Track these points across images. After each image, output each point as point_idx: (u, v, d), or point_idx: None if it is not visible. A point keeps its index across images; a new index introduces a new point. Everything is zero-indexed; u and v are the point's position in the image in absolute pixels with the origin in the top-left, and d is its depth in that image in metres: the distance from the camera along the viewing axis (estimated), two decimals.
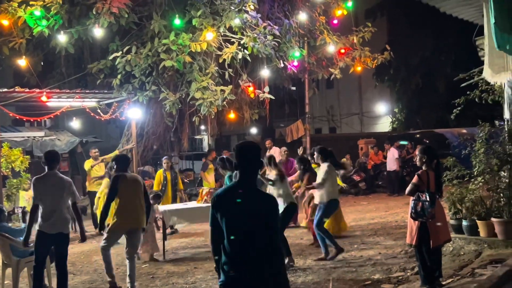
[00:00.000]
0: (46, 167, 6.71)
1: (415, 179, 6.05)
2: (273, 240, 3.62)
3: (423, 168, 6.14)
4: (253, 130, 32.00)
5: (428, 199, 5.84)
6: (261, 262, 3.58)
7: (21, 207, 11.33)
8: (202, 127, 30.57)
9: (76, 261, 9.67)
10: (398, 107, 29.49)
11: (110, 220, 7.35)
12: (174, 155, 22.49)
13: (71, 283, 7.95)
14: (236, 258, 3.62)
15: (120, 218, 7.12)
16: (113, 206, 7.27)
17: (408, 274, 7.18)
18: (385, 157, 18.39)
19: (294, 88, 19.56)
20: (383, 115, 31.56)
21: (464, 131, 19.90)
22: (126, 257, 7.25)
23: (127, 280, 7.14)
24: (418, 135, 20.60)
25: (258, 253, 3.58)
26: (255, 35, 11.69)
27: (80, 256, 10.09)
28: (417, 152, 6.27)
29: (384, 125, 30.91)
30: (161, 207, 10.13)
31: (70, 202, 6.75)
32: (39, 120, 14.40)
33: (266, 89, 13.37)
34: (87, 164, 12.62)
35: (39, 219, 6.57)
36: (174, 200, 12.37)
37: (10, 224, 8.66)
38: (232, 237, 3.63)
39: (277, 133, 23.70)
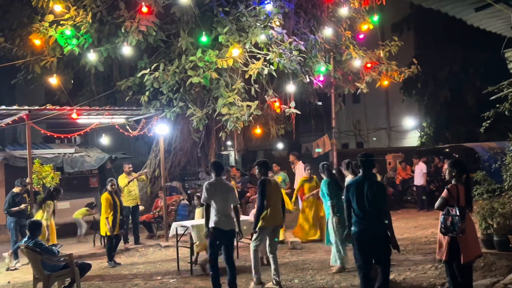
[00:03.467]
0: (213, 174, 7.77)
1: (444, 193, 5.97)
2: (383, 208, 6.30)
3: (453, 182, 6.05)
4: (279, 145, 31.99)
5: (458, 213, 5.75)
6: (377, 220, 6.22)
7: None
8: (229, 143, 30.68)
9: (105, 275, 9.76)
10: (427, 121, 29.12)
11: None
12: (201, 171, 22.59)
13: None
14: (363, 218, 6.23)
15: (270, 216, 7.92)
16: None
17: None
18: (413, 172, 18.14)
19: (320, 103, 19.50)
20: (411, 129, 31.20)
21: (494, 145, 19.52)
22: (269, 253, 8.07)
23: (273, 273, 7.91)
24: (447, 150, 20.32)
25: (375, 215, 6.22)
26: (281, 50, 11.75)
27: (109, 271, 10.18)
28: (446, 166, 6.18)
29: (412, 139, 30.55)
30: (188, 223, 10.17)
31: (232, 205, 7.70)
32: (69, 137, 14.69)
33: (292, 104, 13.35)
34: (122, 181, 12.74)
35: (214, 218, 7.54)
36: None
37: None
38: (360, 206, 6.24)
39: (303, 148, 23.61)
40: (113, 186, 10.70)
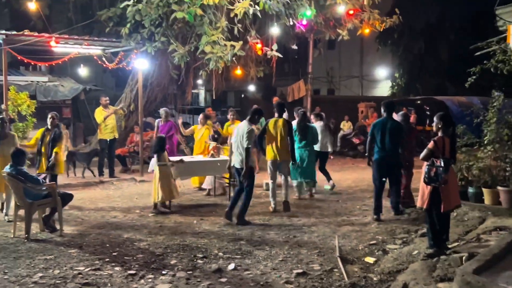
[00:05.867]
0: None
1: (430, 144, 6.13)
2: (398, 141, 8.46)
3: (439, 134, 6.23)
4: (251, 88, 31.88)
5: (442, 165, 5.94)
6: (393, 149, 8.42)
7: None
8: (199, 82, 30.37)
9: (83, 206, 9.81)
10: (399, 72, 29.39)
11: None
12: (171, 108, 22.39)
13: (81, 227, 8.11)
14: (383, 148, 8.39)
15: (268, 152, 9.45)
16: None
17: (413, 236, 7.37)
18: None
19: (296, 47, 19.42)
20: (382, 79, 31.49)
21: (464, 99, 19.99)
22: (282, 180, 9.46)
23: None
24: (418, 101, 20.66)
25: (393, 146, 8.39)
26: None
27: (86, 202, 10.23)
28: (434, 118, 6.33)
29: (383, 89, 30.90)
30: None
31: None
32: (46, 65, 14.26)
33: (275, 46, 13.28)
34: (99, 114, 12.50)
35: None
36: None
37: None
38: (382, 139, 8.38)
39: (278, 92, 23.66)
40: (52, 120, 9.30)
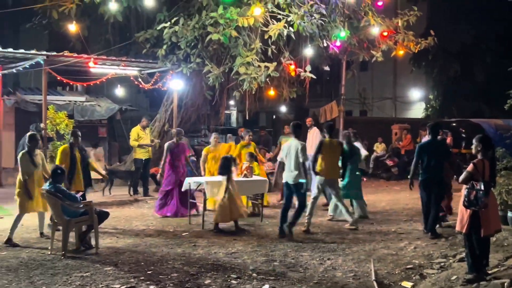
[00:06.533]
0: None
1: (470, 167, 6.03)
2: (444, 161, 8.79)
3: (479, 157, 6.12)
4: (283, 108, 31.90)
5: (482, 188, 5.82)
6: (439, 170, 8.63)
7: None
8: (231, 102, 30.60)
9: (118, 224, 9.91)
10: (434, 94, 29.01)
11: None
12: (204, 128, 22.54)
13: (116, 245, 8.19)
14: (429, 169, 8.62)
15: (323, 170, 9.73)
16: None
17: (451, 261, 7.21)
18: (416, 143, 18.24)
19: (328, 68, 19.36)
20: (416, 101, 31.13)
21: (501, 122, 19.61)
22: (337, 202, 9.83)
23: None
24: (454, 124, 20.34)
25: (439, 166, 8.62)
26: (303, 12, 11.65)
27: (120, 220, 10.34)
28: (473, 141, 6.23)
29: (417, 111, 30.53)
30: (202, 179, 10.22)
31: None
32: (84, 85, 14.57)
33: (308, 68, 13.31)
34: (134, 135, 12.65)
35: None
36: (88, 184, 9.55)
37: None
38: (428, 160, 8.61)
39: (310, 113, 23.61)
40: (75, 138, 9.19)
